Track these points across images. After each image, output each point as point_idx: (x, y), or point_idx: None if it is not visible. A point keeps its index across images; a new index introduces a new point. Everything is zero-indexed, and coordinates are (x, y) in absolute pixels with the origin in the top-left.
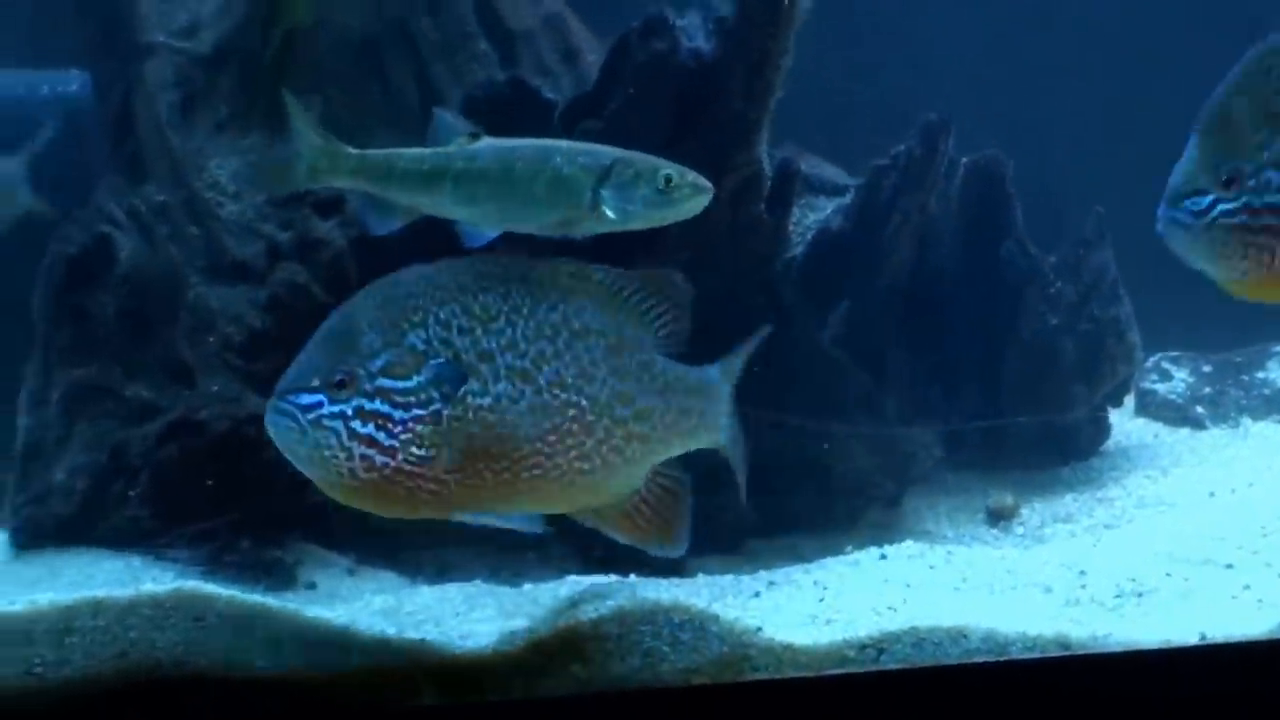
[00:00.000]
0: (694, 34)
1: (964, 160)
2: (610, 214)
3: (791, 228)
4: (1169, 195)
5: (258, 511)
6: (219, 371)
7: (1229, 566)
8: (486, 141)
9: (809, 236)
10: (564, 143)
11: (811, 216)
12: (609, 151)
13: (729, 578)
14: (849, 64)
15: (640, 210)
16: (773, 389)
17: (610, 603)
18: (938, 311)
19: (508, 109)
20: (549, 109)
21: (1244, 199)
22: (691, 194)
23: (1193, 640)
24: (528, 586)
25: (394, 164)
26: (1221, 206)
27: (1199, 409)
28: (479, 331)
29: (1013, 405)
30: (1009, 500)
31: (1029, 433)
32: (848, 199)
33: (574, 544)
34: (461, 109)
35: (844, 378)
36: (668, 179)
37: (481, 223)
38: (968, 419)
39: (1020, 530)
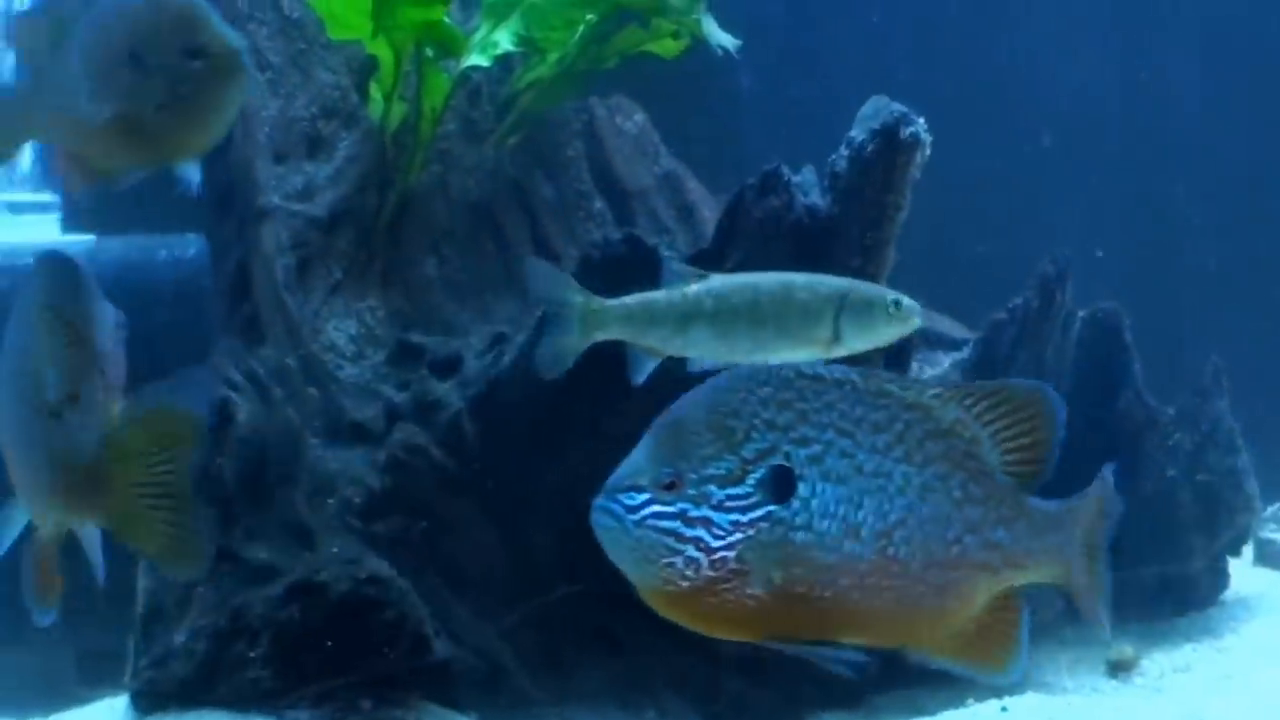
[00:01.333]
0: (809, 190)
1: (1081, 312)
2: (850, 340)
3: None
4: (608, 485)
5: (379, 672)
6: (338, 533)
7: None
8: (718, 278)
9: None
10: (795, 275)
11: (929, 371)
12: (838, 281)
13: None
14: (965, 217)
15: (872, 335)
16: None
17: None
18: (1056, 463)
19: (624, 267)
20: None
21: (679, 505)
22: (910, 315)
23: None
24: None
25: (653, 311)
26: (655, 508)
27: None
28: None
29: (1131, 556)
30: (1128, 651)
31: (1148, 583)
32: (965, 353)
33: (694, 699)
34: (577, 268)
35: None
36: (896, 303)
37: (727, 357)
38: None
39: (1140, 681)
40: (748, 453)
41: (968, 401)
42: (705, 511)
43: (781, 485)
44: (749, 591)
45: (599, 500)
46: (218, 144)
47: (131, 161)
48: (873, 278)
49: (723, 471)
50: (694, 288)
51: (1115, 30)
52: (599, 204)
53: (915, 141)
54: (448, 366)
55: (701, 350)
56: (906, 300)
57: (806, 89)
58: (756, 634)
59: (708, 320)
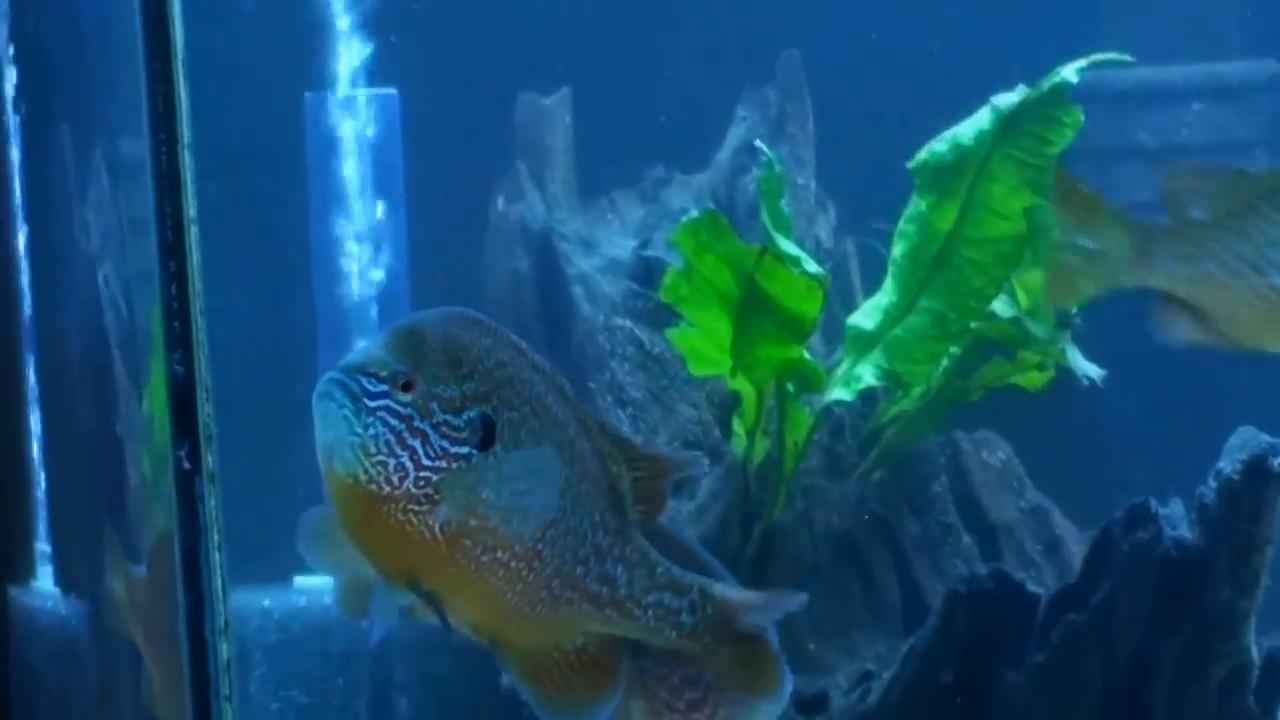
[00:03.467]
0: (1178, 523)
1: None
2: None
3: None
4: (345, 364)
5: None
6: None
7: None
8: None
9: None
10: None
11: None
12: None
13: None
14: None
15: None
16: None
17: None
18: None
19: (991, 603)
20: (1033, 603)
21: (409, 410)
22: None
23: None
24: None
25: None
26: (390, 402)
27: None
28: None
29: None
30: None
31: None
32: None
33: None
34: (943, 604)
35: None
36: None
37: None
38: None
39: None
40: (468, 389)
41: (615, 438)
42: (427, 427)
43: (486, 434)
44: (429, 522)
45: (333, 374)
46: None
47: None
48: (1244, 612)
49: (447, 395)
50: None
51: None
52: (966, 539)
53: None
54: (814, 705)
55: None
56: None
57: (1173, 420)
58: (410, 567)
59: None
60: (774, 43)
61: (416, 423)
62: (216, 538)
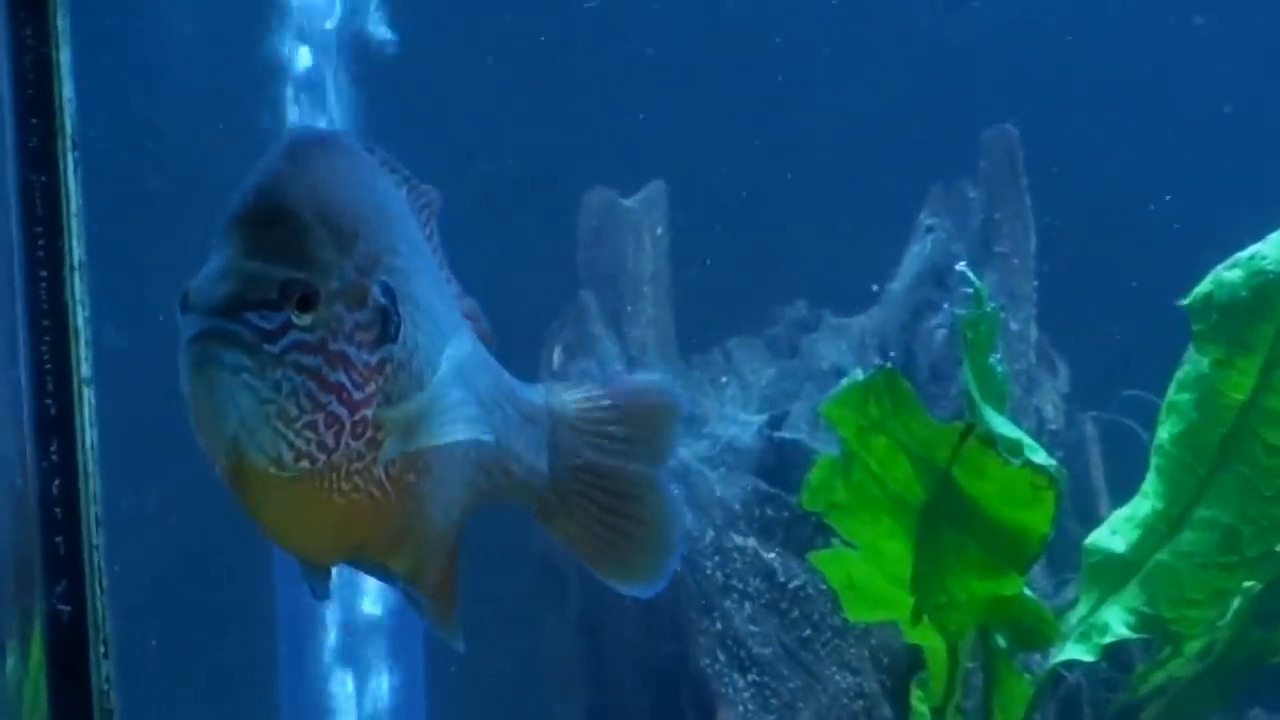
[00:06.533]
0: None
1: None
2: None
3: None
4: (220, 300)
5: None
6: None
7: None
8: None
9: None
10: None
11: None
12: None
13: None
14: None
15: None
16: None
17: None
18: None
19: None
20: None
21: (319, 333)
22: None
23: None
24: None
25: None
26: (295, 335)
27: None
28: None
29: None
30: None
31: None
32: None
33: None
34: None
35: None
36: None
37: None
38: None
39: None
40: (360, 256)
41: None
42: (344, 345)
43: (391, 314)
44: (375, 473)
45: (206, 325)
46: None
47: None
48: None
49: (348, 284)
50: None
51: None
52: None
53: None
54: None
55: None
56: None
57: None
58: (356, 541)
59: None
60: (976, 118)
61: (331, 345)
62: None
